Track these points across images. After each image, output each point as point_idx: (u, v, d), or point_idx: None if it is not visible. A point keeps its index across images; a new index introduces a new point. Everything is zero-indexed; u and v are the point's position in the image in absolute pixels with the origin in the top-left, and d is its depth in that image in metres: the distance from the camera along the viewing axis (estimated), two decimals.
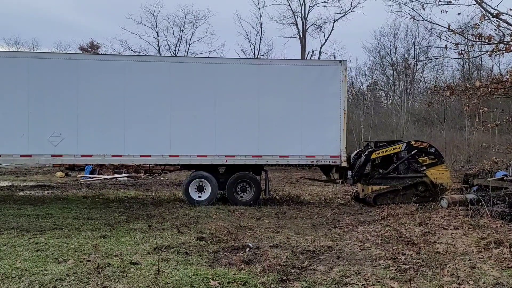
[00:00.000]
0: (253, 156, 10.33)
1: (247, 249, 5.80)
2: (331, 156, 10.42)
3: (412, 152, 10.63)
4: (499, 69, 26.71)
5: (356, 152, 11.41)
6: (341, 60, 10.68)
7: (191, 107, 10.23)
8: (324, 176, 11.75)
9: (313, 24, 33.71)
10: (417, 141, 11.11)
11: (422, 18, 12.31)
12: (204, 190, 10.38)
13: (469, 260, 5.38)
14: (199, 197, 10.33)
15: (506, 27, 9.74)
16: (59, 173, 18.86)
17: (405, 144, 10.81)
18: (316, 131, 10.40)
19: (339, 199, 11.76)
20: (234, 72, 10.42)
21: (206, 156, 10.23)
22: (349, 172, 10.57)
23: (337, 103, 10.42)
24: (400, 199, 10.18)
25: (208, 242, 6.21)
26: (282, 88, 10.44)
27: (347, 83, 11.47)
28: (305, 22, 33.21)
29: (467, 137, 24.77)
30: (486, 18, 9.67)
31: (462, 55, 12.21)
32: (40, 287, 4.32)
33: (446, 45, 10.30)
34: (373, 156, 10.70)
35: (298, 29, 33.35)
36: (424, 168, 10.57)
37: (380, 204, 10.23)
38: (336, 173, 10.76)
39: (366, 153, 10.79)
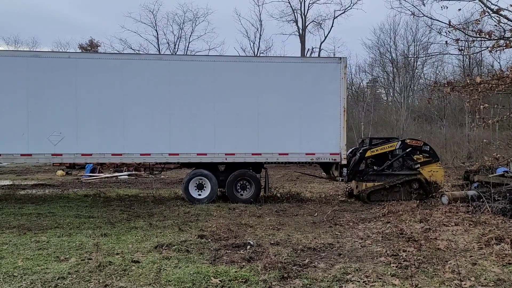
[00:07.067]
0: (252, 154, 10.32)
1: (248, 247, 5.80)
2: (331, 154, 10.41)
3: (407, 150, 10.63)
4: (500, 65, 26.64)
5: (351, 150, 11.37)
6: (340, 57, 10.65)
7: (190, 105, 10.22)
8: (324, 173, 11.74)
9: (313, 21, 33.75)
10: (411, 139, 11.13)
11: (422, 14, 12.34)
12: (204, 188, 10.37)
13: (470, 256, 5.38)
14: (199, 195, 10.33)
15: (506, 23, 9.73)
16: (60, 172, 18.88)
17: (399, 142, 10.81)
18: (316, 128, 10.38)
19: (339, 196, 11.76)
20: (233, 70, 10.39)
21: (205, 154, 10.22)
22: (345, 170, 10.59)
23: (337, 100, 10.39)
24: (394, 196, 10.19)
25: (209, 240, 6.22)
26: (281, 86, 10.42)
27: (347, 80, 11.44)
28: (305, 19, 33.22)
29: (468, 134, 24.73)
30: (487, 14, 9.67)
31: (462, 51, 12.17)
32: (42, 286, 4.33)
33: (446, 41, 10.28)
34: (368, 154, 10.69)
35: (297, 26, 33.36)
36: (419, 165, 10.58)
37: (374, 201, 10.26)
38: (336, 171, 10.75)
39: (360, 151, 10.79)
